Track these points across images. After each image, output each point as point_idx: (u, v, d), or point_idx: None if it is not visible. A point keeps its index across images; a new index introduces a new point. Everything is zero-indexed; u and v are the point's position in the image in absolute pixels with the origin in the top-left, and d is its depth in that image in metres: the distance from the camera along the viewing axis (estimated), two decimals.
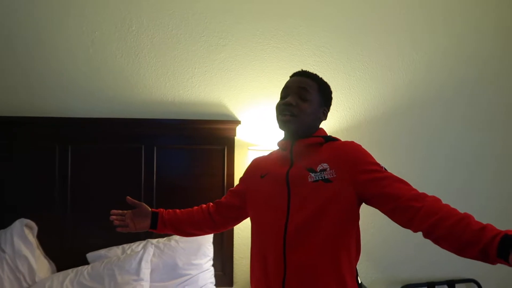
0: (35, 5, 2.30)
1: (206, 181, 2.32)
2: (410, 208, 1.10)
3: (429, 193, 1.14)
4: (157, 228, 1.51)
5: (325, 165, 1.23)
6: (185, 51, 2.38)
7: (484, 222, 1.02)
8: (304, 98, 1.30)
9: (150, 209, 1.53)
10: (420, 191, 1.15)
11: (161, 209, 1.56)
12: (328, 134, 1.38)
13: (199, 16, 2.38)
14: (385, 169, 1.20)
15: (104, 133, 2.29)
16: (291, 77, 1.41)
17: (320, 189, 1.20)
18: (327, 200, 1.18)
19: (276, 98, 2.39)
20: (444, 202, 1.14)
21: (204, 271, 2.13)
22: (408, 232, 1.21)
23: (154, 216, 1.51)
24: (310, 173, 1.23)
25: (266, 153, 2.12)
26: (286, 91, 1.35)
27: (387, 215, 1.17)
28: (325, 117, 1.38)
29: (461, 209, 1.09)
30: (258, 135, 2.41)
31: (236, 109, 2.41)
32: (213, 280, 2.17)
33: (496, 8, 2.58)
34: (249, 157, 2.31)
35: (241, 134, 2.40)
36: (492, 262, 0.97)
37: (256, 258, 1.31)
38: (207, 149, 2.33)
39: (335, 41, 2.47)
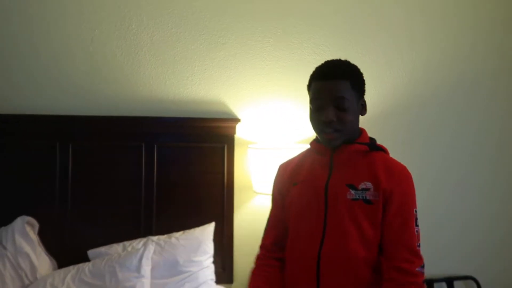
0: (33, 3, 2.30)
1: (207, 178, 2.33)
2: (391, 277, 1.10)
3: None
4: None
5: (368, 184, 1.14)
6: (184, 50, 2.39)
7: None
8: (342, 107, 1.16)
9: None
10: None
11: None
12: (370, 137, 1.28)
13: (199, 15, 2.39)
14: (417, 216, 1.16)
15: (104, 131, 2.30)
16: (317, 79, 1.24)
17: (358, 209, 1.12)
18: (364, 222, 1.12)
19: (275, 96, 2.42)
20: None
21: (204, 268, 2.14)
22: None
23: None
24: (350, 190, 1.14)
25: (268, 151, 2.15)
26: (320, 102, 1.18)
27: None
28: (365, 111, 1.26)
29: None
30: (258, 133, 2.43)
31: (236, 107, 2.42)
32: (213, 277, 2.18)
33: (493, 7, 2.59)
34: (249, 155, 2.32)
35: (241, 132, 2.41)
36: None
37: (291, 268, 1.24)
38: (207, 147, 2.35)
39: (334, 40, 2.48)
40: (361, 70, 1.39)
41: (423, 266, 1.14)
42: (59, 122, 2.27)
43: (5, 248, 2.01)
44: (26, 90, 2.31)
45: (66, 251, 2.23)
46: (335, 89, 1.17)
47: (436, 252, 2.53)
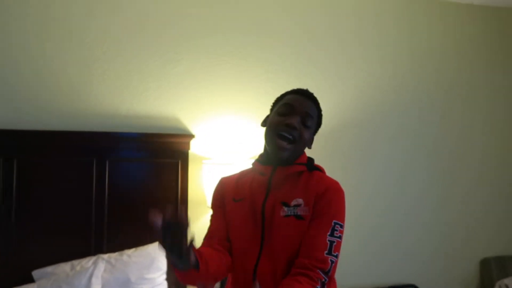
0: None
1: (160, 194, 2.32)
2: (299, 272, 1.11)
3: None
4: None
5: (300, 201, 1.19)
6: (139, 65, 2.39)
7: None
8: (307, 124, 1.23)
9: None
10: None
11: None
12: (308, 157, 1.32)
13: (154, 31, 2.41)
14: (336, 228, 1.17)
15: (53, 146, 2.23)
16: (294, 93, 1.29)
17: (290, 225, 1.17)
18: (297, 238, 1.17)
19: (229, 113, 2.48)
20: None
21: (157, 285, 2.11)
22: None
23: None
24: (283, 207, 1.19)
25: (222, 167, 2.18)
26: (290, 110, 1.23)
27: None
28: (311, 144, 1.31)
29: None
30: (212, 149, 2.46)
31: (190, 123, 2.45)
32: None
33: (448, 18, 2.87)
34: (203, 171, 2.35)
35: (195, 148, 2.43)
36: None
37: (233, 280, 1.28)
38: (161, 163, 2.34)
39: (289, 57, 2.59)
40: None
41: (325, 272, 1.13)
42: (3, 136, 2.17)
43: None
44: None
45: (9, 271, 2.10)
46: (308, 106, 1.25)
47: (380, 261, 2.69)
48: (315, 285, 1.09)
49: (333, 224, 1.17)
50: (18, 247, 2.14)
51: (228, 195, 1.32)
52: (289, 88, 1.67)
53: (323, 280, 1.11)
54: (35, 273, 2.07)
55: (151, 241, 2.22)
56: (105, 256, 2.11)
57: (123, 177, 2.30)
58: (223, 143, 2.46)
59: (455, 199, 2.85)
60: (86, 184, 2.24)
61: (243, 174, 1.37)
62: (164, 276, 2.18)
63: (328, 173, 1.31)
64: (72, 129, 2.27)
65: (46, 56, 2.28)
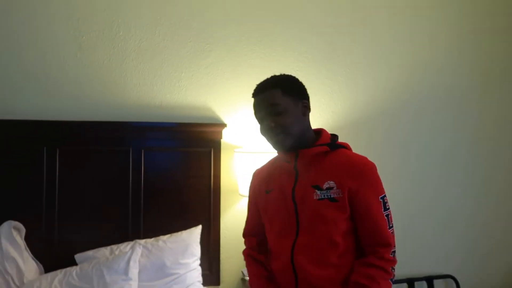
0: (21, 9, 2.32)
1: (193, 183, 2.37)
2: (365, 261, 1.21)
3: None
4: None
5: (331, 183, 1.21)
6: (172, 56, 2.44)
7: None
8: (278, 112, 1.26)
9: None
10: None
11: None
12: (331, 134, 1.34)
13: (186, 23, 2.45)
14: (385, 200, 1.23)
15: (92, 136, 2.32)
16: (254, 96, 1.37)
17: (326, 208, 1.19)
18: (333, 220, 1.19)
19: None
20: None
21: (191, 270, 2.18)
22: None
23: None
24: (316, 191, 1.21)
25: (253, 155, 2.20)
26: (259, 115, 1.32)
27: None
28: (308, 109, 1.33)
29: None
30: (243, 138, 2.48)
31: (222, 113, 2.48)
32: (200, 279, 2.22)
33: (479, 12, 2.74)
34: (235, 159, 2.38)
35: (227, 137, 2.46)
36: None
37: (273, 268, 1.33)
38: (194, 152, 2.39)
39: (317, 47, 2.56)
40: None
41: (394, 252, 1.24)
42: (46, 127, 2.28)
43: None
44: (14, 96, 2.32)
45: (53, 255, 2.23)
46: (267, 98, 1.28)
47: (417, 252, 2.63)
48: (390, 265, 1.21)
49: (380, 200, 1.22)
50: (61, 233, 2.26)
51: (260, 188, 1.38)
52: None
53: (392, 253, 1.23)
54: (77, 257, 2.18)
55: (184, 227, 2.28)
56: (142, 241, 2.19)
57: (158, 166, 2.37)
58: (254, 131, 2.47)
59: (498, 188, 2.74)
60: (123, 172, 2.33)
61: (272, 163, 1.43)
62: (198, 262, 2.24)
63: (369, 156, 1.30)
64: (110, 120, 2.36)
65: (83, 50, 2.37)
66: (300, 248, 1.22)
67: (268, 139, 1.30)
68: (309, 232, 1.21)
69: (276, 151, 1.40)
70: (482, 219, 2.71)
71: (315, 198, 1.21)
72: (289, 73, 1.49)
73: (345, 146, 1.32)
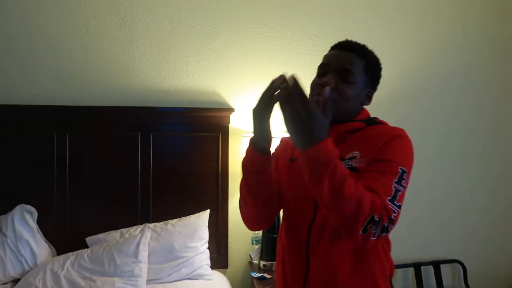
0: None
1: (201, 167, 2.39)
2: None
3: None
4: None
5: (355, 153, 1.08)
6: (179, 40, 2.43)
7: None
8: (347, 80, 1.09)
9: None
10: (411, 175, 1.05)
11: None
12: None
13: (193, 6, 2.42)
14: (404, 177, 1.01)
15: (101, 121, 2.34)
16: (332, 49, 1.18)
17: None
18: None
19: None
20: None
21: (200, 253, 2.21)
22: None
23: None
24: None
25: None
26: (325, 68, 1.12)
27: None
28: (369, 101, 1.19)
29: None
30: (251, 123, 2.47)
31: (230, 97, 2.47)
32: (208, 262, 2.25)
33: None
34: (243, 144, 2.38)
35: (235, 122, 2.46)
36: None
37: (281, 245, 1.22)
38: (202, 136, 2.40)
39: (327, 30, 2.52)
40: None
41: (392, 221, 0.95)
42: (56, 112, 2.30)
43: (5, 235, 2.07)
44: (23, 81, 2.33)
45: (65, 238, 2.28)
46: (346, 59, 1.11)
47: (424, 237, 2.63)
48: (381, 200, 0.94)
49: (400, 171, 1.00)
50: (72, 216, 2.31)
51: (284, 154, 1.24)
52: None
53: (390, 216, 0.93)
54: (88, 240, 2.23)
55: (193, 212, 2.31)
56: (151, 225, 2.22)
57: (166, 150, 2.39)
58: None
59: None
60: (132, 157, 2.35)
61: None
62: (206, 245, 2.27)
63: None
64: (118, 105, 2.37)
65: (91, 35, 2.36)
66: (318, 227, 1.10)
67: (313, 95, 1.10)
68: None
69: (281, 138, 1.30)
70: (493, 207, 2.69)
71: None
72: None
73: (382, 123, 1.18)
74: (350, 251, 1.08)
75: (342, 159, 1.06)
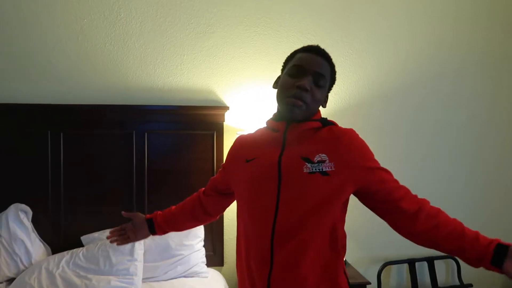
0: None
1: (196, 165, 2.39)
2: (410, 211, 1.16)
3: (411, 175, 1.21)
4: (156, 233, 1.50)
5: (323, 156, 1.13)
6: (173, 39, 2.42)
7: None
8: (319, 84, 1.19)
9: (144, 217, 1.51)
10: (402, 173, 1.20)
11: (156, 213, 1.52)
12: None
13: (187, 4, 2.42)
14: (387, 171, 1.21)
15: (95, 120, 2.34)
16: (304, 51, 1.24)
17: (316, 183, 1.11)
18: (323, 195, 1.12)
19: (263, 84, 2.48)
20: (422, 183, 1.20)
21: (195, 251, 2.22)
22: None
23: (150, 222, 1.49)
24: (306, 163, 1.13)
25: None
26: (301, 70, 1.18)
27: (381, 213, 1.20)
28: (325, 103, 1.28)
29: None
30: (246, 120, 2.49)
31: (225, 95, 2.47)
32: (204, 260, 2.26)
33: None
34: None
35: (229, 120, 2.47)
36: (487, 268, 1.12)
37: (242, 248, 1.24)
38: (197, 134, 2.40)
39: (320, 28, 2.53)
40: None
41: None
42: (50, 111, 2.30)
43: (0, 235, 2.06)
44: (17, 80, 2.32)
45: (59, 237, 2.28)
46: (320, 65, 1.19)
47: None
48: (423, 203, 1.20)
49: (384, 169, 1.19)
50: (67, 215, 2.30)
51: (240, 155, 1.29)
52: None
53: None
54: (84, 238, 2.22)
55: None
56: None
57: (161, 148, 2.39)
58: (257, 114, 2.47)
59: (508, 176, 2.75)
60: (127, 155, 2.35)
61: (259, 133, 1.34)
62: (202, 243, 2.28)
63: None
64: (113, 103, 2.37)
65: (85, 33, 2.35)
66: (281, 230, 1.14)
67: (288, 94, 1.17)
68: (290, 210, 1.13)
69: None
70: (486, 203, 2.72)
71: (305, 171, 1.12)
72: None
73: (334, 124, 1.25)
74: (310, 243, 1.14)
75: (310, 161, 1.14)
